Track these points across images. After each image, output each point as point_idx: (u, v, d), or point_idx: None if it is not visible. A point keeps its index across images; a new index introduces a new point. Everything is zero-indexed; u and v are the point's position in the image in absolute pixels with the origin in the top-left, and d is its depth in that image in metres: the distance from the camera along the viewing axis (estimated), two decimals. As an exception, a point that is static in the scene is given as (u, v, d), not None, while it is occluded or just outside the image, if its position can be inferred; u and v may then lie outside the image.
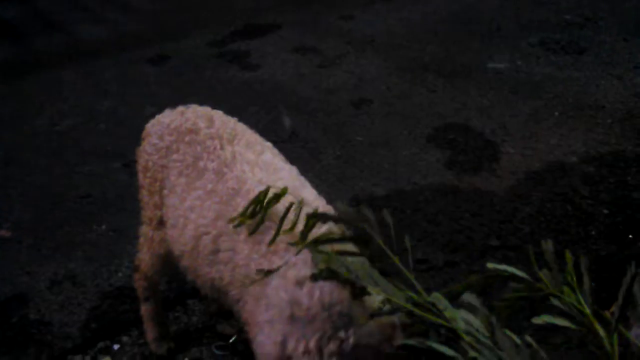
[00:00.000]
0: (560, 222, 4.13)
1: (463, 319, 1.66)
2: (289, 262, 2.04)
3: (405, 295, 1.75)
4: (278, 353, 1.92)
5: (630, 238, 3.94)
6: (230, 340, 3.33)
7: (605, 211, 4.20)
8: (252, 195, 2.32)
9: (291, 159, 2.66)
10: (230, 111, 2.87)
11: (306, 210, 2.05)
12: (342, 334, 1.85)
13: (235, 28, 7.63)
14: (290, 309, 1.90)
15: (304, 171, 2.59)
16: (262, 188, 2.32)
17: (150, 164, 2.75)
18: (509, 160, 4.82)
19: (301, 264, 2.02)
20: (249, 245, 2.26)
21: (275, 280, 2.01)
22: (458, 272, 3.76)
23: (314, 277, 1.81)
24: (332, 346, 1.85)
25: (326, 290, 1.86)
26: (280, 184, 2.33)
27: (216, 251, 2.40)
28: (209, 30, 7.60)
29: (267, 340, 1.94)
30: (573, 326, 1.72)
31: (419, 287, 1.82)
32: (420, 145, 5.09)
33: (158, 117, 2.87)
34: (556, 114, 5.40)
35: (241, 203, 2.35)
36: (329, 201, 2.44)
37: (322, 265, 1.80)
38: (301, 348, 1.87)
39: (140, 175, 2.85)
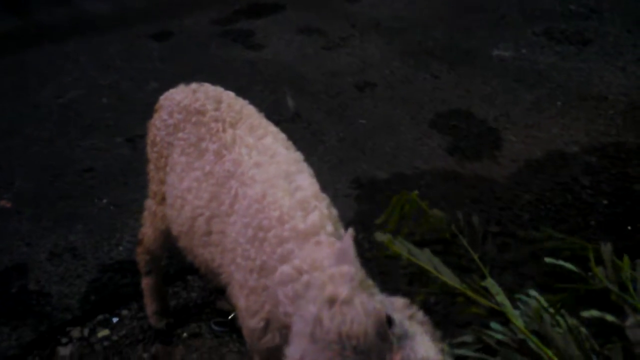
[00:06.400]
0: (560, 211, 4.14)
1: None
2: (330, 274, 1.89)
3: (461, 280, 1.75)
4: None
5: (629, 229, 3.96)
6: (229, 317, 3.32)
7: (605, 202, 4.21)
8: (246, 177, 2.30)
9: (294, 139, 2.63)
10: (233, 90, 2.84)
11: None
12: None
13: (239, 7, 7.60)
14: (313, 326, 1.74)
15: (306, 152, 2.57)
16: (256, 171, 2.30)
17: (158, 139, 2.75)
18: (510, 148, 4.82)
19: (341, 278, 1.86)
20: (237, 228, 2.26)
21: (312, 291, 1.87)
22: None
23: None
24: None
25: (349, 318, 1.68)
26: (274, 168, 2.31)
27: (209, 233, 2.40)
28: (212, 8, 7.57)
29: (291, 352, 1.79)
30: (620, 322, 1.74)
31: (493, 283, 1.80)
32: (422, 130, 5.09)
33: (172, 91, 2.84)
34: (559, 103, 5.40)
35: (235, 185, 2.33)
36: (330, 184, 2.42)
37: (387, 244, 1.72)
38: None
39: (149, 149, 2.85)
